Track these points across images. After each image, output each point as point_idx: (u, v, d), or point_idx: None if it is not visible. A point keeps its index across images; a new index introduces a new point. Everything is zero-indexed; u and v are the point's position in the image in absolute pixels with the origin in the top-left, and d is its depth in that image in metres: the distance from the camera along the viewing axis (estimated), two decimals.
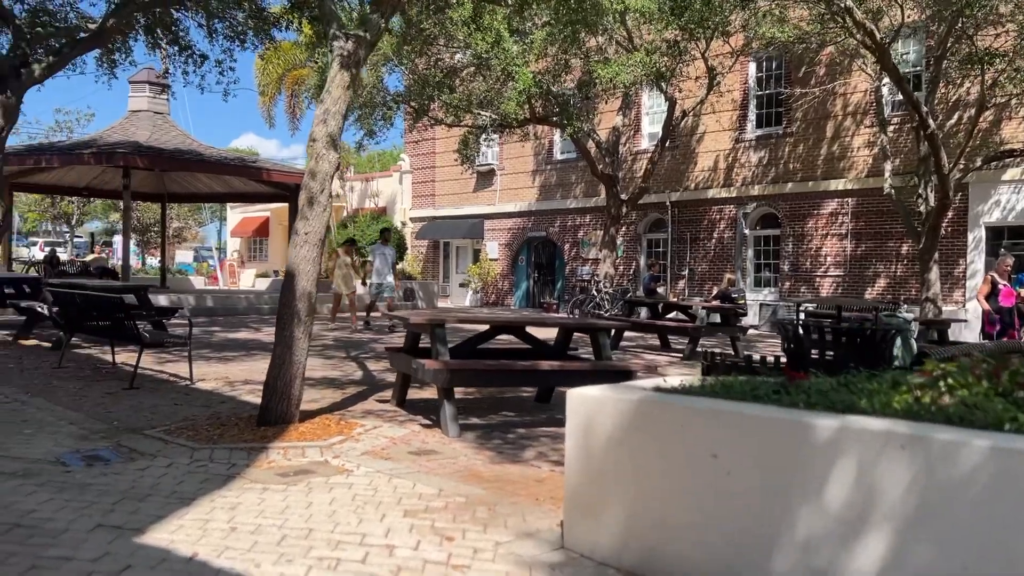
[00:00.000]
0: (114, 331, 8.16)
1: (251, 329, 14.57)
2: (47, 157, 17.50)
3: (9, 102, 10.54)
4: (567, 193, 24.52)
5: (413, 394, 7.48)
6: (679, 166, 21.56)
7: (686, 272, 21.23)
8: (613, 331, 12.21)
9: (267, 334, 13.62)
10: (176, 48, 15.69)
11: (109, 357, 9.35)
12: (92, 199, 30.83)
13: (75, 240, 37.94)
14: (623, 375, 6.20)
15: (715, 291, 13.01)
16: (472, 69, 18.61)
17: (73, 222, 33.88)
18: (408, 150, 29.48)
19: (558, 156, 24.95)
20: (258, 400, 6.47)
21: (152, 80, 20.70)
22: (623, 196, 19.13)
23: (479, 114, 18.90)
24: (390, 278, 15.88)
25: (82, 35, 11.46)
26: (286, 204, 30.05)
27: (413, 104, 19.42)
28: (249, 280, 33.48)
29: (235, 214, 36.66)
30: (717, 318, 13.39)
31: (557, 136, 24.86)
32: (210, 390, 7.74)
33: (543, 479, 4.86)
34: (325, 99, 6.34)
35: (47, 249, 26.61)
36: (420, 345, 7.23)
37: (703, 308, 12.43)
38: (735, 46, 17.68)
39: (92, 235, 33.87)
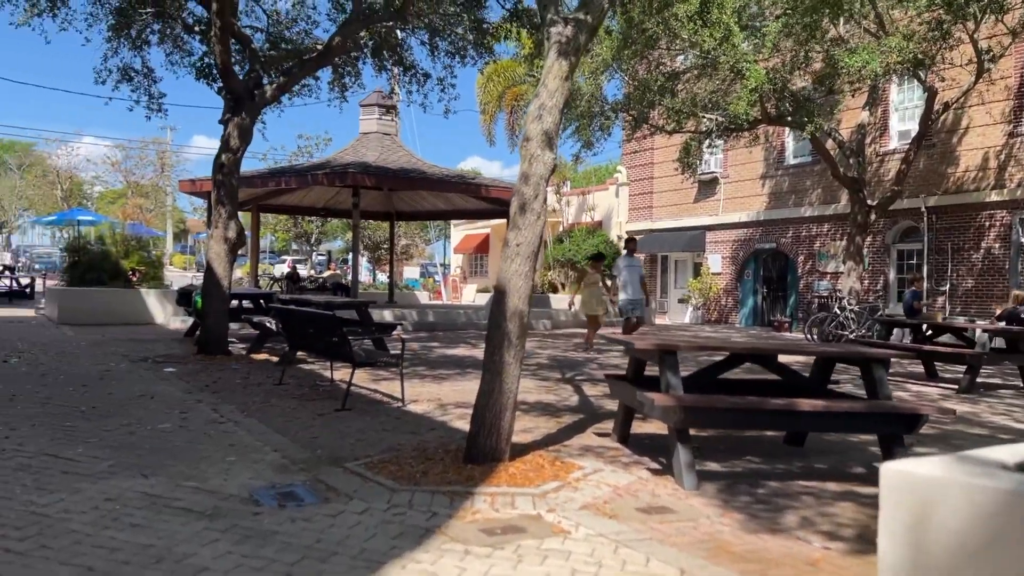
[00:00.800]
0: (329, 348, 7.97)
1: (468, 345, 14.32)
2: (286, 179, 18.58)
3: (244, 123, 10.94)
4: (801, 200, 22.42)
5: (637, 426, 6.53)
6: (937, 166, 18.87)
7: (946, 288, 18.46)
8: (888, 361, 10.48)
9: (484, 350, 13.29)
10: (401, 68, 16.03)
11: (329, 373, 9.28)
12: (329, 219, 32.96)
13: (316, 258, 40.96)
14: (911, 421, 4.85)
15: (999, 311, 10.83)
16: (696, 71, 17.40)
17: (312, 241, 36.48)
18: (625, 161, 28.61)
19: (790, 160, 22.91)
20: (468, 427, 5.87)
21: (380, 103, 21.48)
22: (870, 202, 16.94)
23: (703, 118, 17.62)
24: (640, 295, 14.32)
25: (309, 56, 11.74)
26: (504, 220, 30.49)
27: (632, 112, 18.54)
28: (471, 295, 34.19)
29: (458, 231, 37.71)
30: (1001, 343, 11.16)
31: (790, 138, 22.87)
32: (421, 414, 7.28)
33: (816, 561, 3.71)
34: (540, 93, 5.60)
35: (291, 266, 28.71)
36: (645, 373, 6.27)
37: (984, 332, 10.33)
38: (1010, 24, 15.03)
39: (329, 252, 36.31)
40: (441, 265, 37.88)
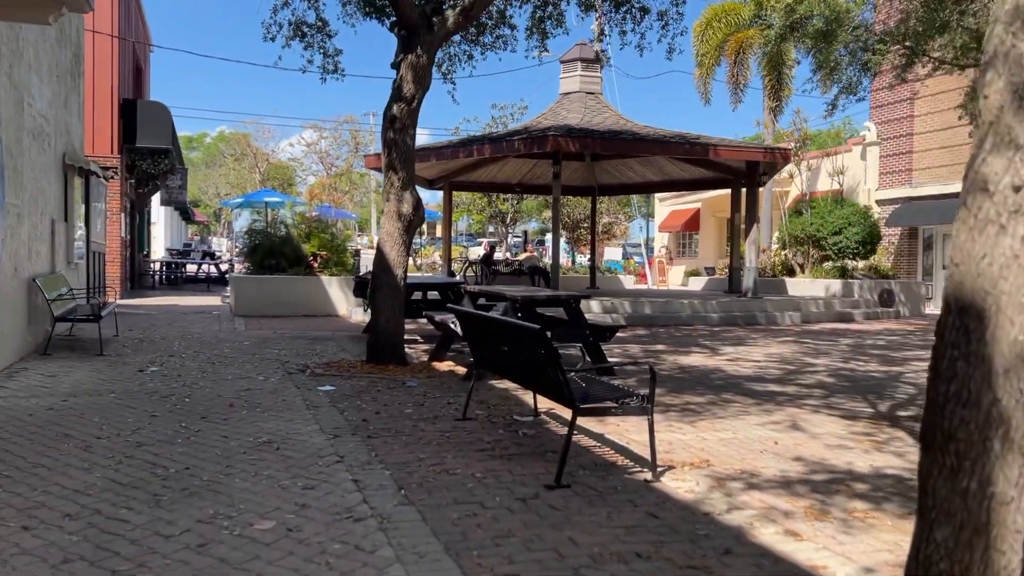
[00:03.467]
0: (533, 378, 5.12)
1: (704, 349, 11.08)
2: (479, 147, 16.11)
3: (420, 62, 8.36)
4: None
5: None
6: None
7: None
8: None
9: (728, 358, 9.96)
10: (612, 4, 13.04)
11: (532, 400, 6.48)
12: (525, 196, 30.56)
13: (512, 240, 38.95)
14: None
15: None
16: None
17: (508, 220, 34.21)
18: (873, 116, 23.74)
19: None
20: (785, 540, 2.94)
21: (584, 57, 18.54)
22: None
23: None
24: None
25: None
26: (723, 192, 26.55)
27: (907, 44, 14.25)
28: (678, 278, 30.63)
29: (664, 207, 34.14)
30: None
31: None
32: (685, 501, 4.23)
33: None
34: None
35: (487, 248, 26.49)
36: None
37: None
38: None
39: (526, 233, 33.91)
40: (644, 245, 34.45)
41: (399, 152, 8.57)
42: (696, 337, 12.71)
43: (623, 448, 5.37)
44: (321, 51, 11.76)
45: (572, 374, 4.96)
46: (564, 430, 5.12)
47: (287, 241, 15.49)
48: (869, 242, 19.34)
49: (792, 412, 6.67)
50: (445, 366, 8.81)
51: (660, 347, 11.21)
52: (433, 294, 11.84)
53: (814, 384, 8.14)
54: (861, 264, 19.44)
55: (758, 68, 22.39)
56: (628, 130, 16.63)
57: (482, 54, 14.98)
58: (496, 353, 5.69)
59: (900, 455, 5.31)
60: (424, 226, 55.34)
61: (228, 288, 17.19)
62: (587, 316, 9.07)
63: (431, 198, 38.63)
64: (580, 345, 8.44)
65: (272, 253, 15.10)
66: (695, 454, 5.23)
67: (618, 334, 11.65)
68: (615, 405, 4.92)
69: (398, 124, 8.57)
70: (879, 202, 22.87)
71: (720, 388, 7.81)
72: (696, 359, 10.01)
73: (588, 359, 8.30)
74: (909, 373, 9.03)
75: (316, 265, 15.34)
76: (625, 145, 15.94)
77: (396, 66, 8.78)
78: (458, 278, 19.51)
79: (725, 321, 14.85)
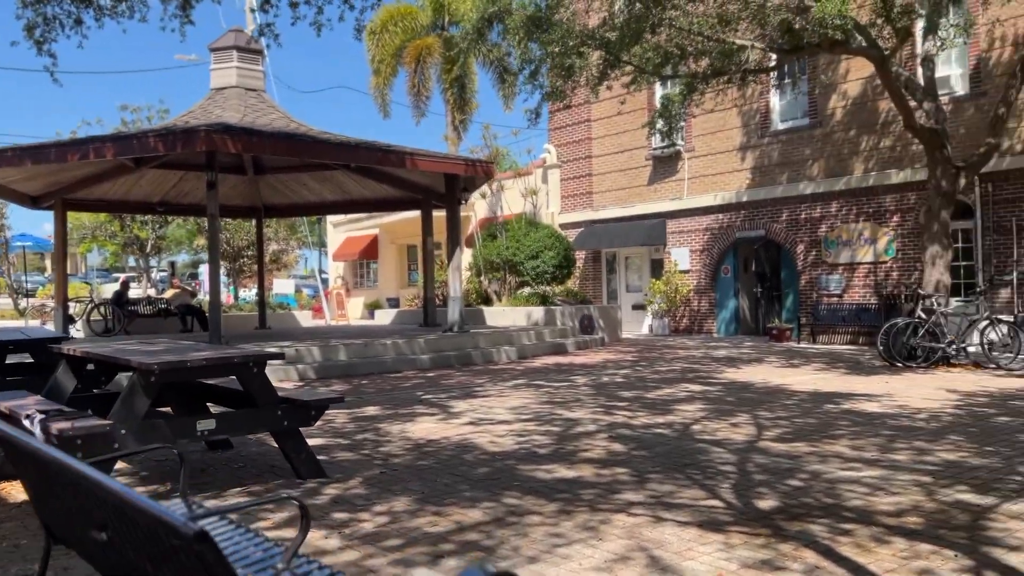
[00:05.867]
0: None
1: (432, 409, 8.37)
2: (97, 147, 11.79)
3: None
4: (797, 173, 17.78)
5: None
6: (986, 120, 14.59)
7: (1013, 277, 14.18)
8: None
9: (468, 420, 7.19)
10: None
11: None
12: (170, 219, 25.53)
13: (156, 273, 33.00)
14: None
15: None
16: None
17: (148, 249, 28.47)
18: (553, 138, 23.23)
19: (778, 124, 18.24)
20: None
21: (241, 45, 15.05)
22: (960, 162, 12.34)
23: (730, 44, 12.43)
24: None
25: None
26: (403, 216, 24.32)
27: (608, 53, 13.13)
28: (358, 311, 27.82)
29: (338, 233, 31.14)
30: None
31: (775, 98, 18.22)
32: None
33: None
34: None
35: (122, 284, 21.14)
36: None
37: None
38: None
39: (172, 264, 28.48)
40: (317, 274, 31.09)
41: None
42: (412, 389, 9.96)
43: None
44: None
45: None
46: None
47: None
48: (566, 266, 18.28)
49: (624, 526, 4.19)
50: (17, 491, 5.01)
51: (372, 410, 8.26)
52: (18, 357, 7.67)
53: (608, 459, 5.81)
54: (558, 289, 18.29)
55: (440, 79, 20.64)
56: (304, 133, 13.51)
57: (97, 20, 11.01)
58: (81, 525, 2.36)
59: None
60: (49, 259, 45.83)
61: None
62: (289, 397, 5.82)
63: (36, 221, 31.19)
64: (284, 437, 5.20)
65: None
66: None
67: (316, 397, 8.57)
68: None
69: None
70: (562, 225, 22.26)
71: (491, 483, 5.12)
72: (428, 426, 7.25)
73: (293, 463, 5.11)
74: (693, 425, 7.16)
75: None
76: (302, 148, 12.77)
77: None
78: (69, 329, 14.74)
79: (438, 363, 12.34)
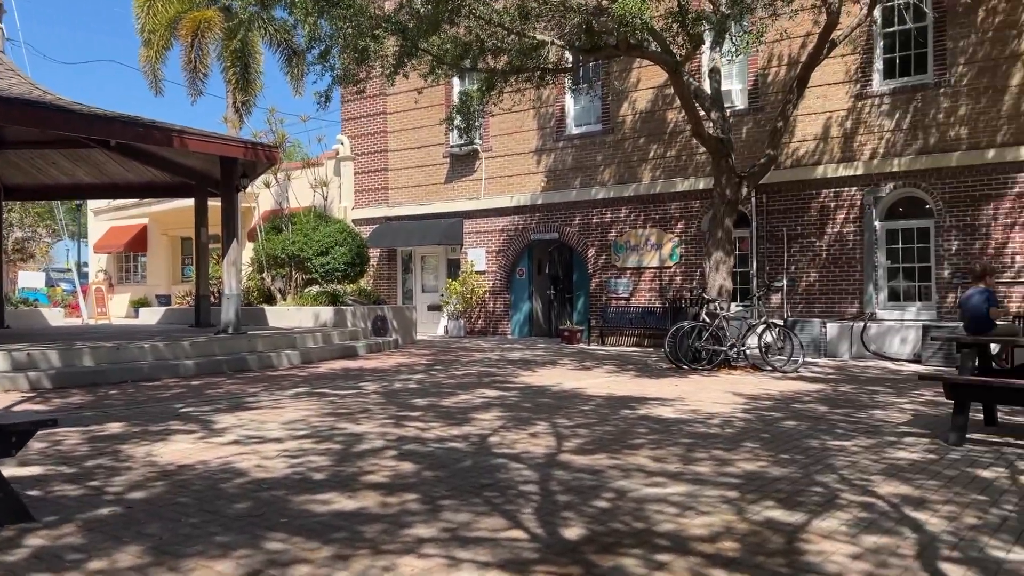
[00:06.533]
0: None
1: (190, 425, 7.18)
2: None
3: None
4: (590, 179, 18.01)
5: None
6: (766, 136, 15.50)
7: (783, 284, 15.14)
8: None
9: (233, 439, 6.11)
10: None
11: None
12: None
13: None
14: None
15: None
16: None
17: None
18: (346, 129, 22.09)
19: (572, 129, 18.41)
20: None
21: None
22: (742, 171, 12.85)
23: (530, 39, 12.12)
24: None
25: None
26: (177, 204, 22.06)
27: (406, 40, 12.41)
28: (122, 309, 25.03)
29: (100, 222, 27.86)
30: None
31: (570, 103, 18.38)
32: None
33: None
34: None
35: None
36: None
37: None
38: None
39: None
40: (76, 268, 27.62)
41: None
42: (170, 400, 8.62)
43: None
44: None
45: None
46: None
47: None
48: (358, 263, 17.28)
49: (413, 574, 3.48)
50: None
51: (116, 428, 6.93)
52: None
53: (396, 482, 5.07)
54: (350, 288, 17.26)
55: (221, 56, 18.85)
56: (48, 101, 11.55)
57: None
58: None
59: None
60: None
61: None
62: None
63: None
64: None
65: None
66: None
67: (35, 410, 7.14)
68: None
69: None
70: (356, 221, 21.20)
71: (252, 522, 4.20)
72: (182, 448, 6.12)
73: None
74: (490, 437, 6.60)
75: None
76: (43, 117, 10.84)
77: None
78: None
79: (206, 370, 10.92)
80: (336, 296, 16.33)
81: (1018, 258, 13.06)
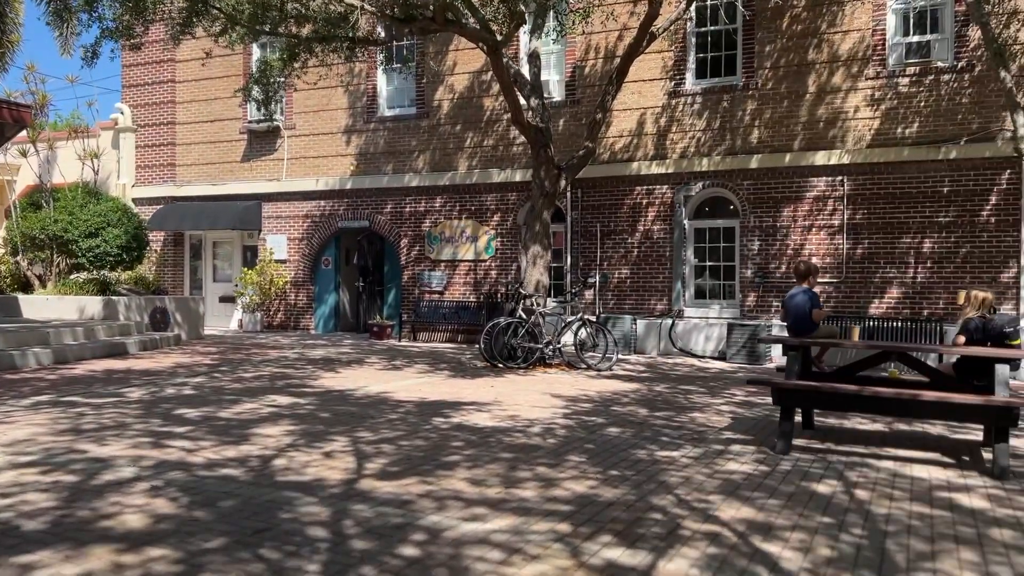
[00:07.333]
0: None
1: None
2: None
3: None
4: (403, 165, 17.00)
5: None
6: (582, 130, 15.26)
7: (595, 280, 15.00)
8: None
9: None
10: None
11: None
12: None
13: None
14: None
15: (968, 317, 6.83)
16: None
17: None
18: (127, 97, 19.59)
19: (385, 111, 17.30)
20: None
21: None
22: (561, 163, 12.38)
23: (338, 6, 10.94)
24: None
25: None
26: None
27: None
28: None
29: None
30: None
31: (383, 82, 17.27)
32: None
33: None
34: None
35: None
36: None
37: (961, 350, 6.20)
38: None
39: None
40: None
41: None
42: None
43: None
44: None
45: None
46: None
47: None
48: (136, 248, 15.20)
49: None
50: None
51: None
52: None
53: (143, 531, 3.88)
54: (125, 276, 15.15)
55: None
56: None
57: None
58: None
59: None
60: None
61: None
62: None
63: None
64: None
65: None
66: None
67: None
68: None
69: None
70: (136, 200, 18.84)
71: None
72: None
73: None
74: (275, 459, 5.50)
75: None
76: None
77: None
78: None
79: None
80: (107, 284, 14.22)
81: (814, 259, 13.61)
